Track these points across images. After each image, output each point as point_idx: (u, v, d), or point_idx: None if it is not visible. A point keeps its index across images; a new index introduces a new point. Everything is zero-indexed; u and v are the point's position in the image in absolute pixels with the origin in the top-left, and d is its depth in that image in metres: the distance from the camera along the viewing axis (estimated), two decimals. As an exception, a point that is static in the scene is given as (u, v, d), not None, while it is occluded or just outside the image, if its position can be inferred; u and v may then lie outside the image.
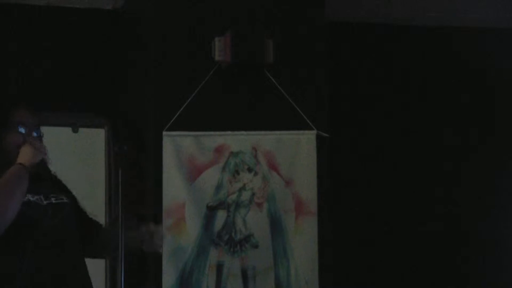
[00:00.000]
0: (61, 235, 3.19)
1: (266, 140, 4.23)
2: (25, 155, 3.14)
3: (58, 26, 4.93)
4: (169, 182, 4.15)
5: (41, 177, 3.27)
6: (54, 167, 4.35)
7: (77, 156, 4.49)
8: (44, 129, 4.38)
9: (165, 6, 4.31)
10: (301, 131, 4.26)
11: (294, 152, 4.26)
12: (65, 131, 4.44)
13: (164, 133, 4.16)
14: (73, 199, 3.42)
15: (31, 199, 3.16)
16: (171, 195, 4.15)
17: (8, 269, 3.03)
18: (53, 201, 3.25)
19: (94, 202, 4.44)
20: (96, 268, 4.30)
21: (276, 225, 4.20)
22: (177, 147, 4.17)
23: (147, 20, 4.48)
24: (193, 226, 4.14)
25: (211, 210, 4.16)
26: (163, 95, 4.25)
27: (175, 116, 4.16)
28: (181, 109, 4.16)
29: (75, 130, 4.43)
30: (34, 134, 3.30)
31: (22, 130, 3.25)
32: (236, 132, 4.21)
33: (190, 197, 4.16)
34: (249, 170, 4.20)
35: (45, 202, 3.21)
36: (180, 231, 4.13)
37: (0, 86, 4.74)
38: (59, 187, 3.40)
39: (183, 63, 4.27)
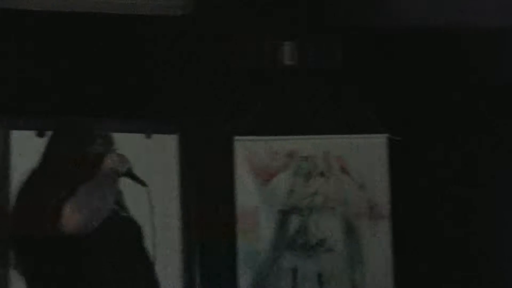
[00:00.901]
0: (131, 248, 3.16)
1: (338, 144, 4.29)
2: (114, 162, 3.20)
3: (129, 34, 5.03)
4: (242, 187, 4.25)
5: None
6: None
7: (150, 162, 4.58)
8: (118, 136, 4.54)
9: (234, 12, 4.38)
10: (373, 135, 4.31)
11: (366, 156, 4.30)
12: (139, 138, 4.57)
13: (236, 138, 4.24)
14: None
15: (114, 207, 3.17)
16: (243, 200, 4.24)
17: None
18: (124, 215, 3.25)
19: (167, 208, 4.54)
20: (172, 272, 4.43)
21: (349, 229, 4.26)
22: (248, 152, 4.25)
23: (216, 26, 4.56)
24: (266, 230, 4.24)
25: (284, 215, 4.23)
26: (235, 101, 4.32)
27: (247, 122, 4.23)
28: (252, 114, 4.23)
29: (148, 136, 4.57)
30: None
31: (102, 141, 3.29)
32: (307, 137, 4.28)
33: (263, 202, 4.25)
34: (321, 174, 4.27)
35: (122, 214, 3.22)
36: (253, 235, 4.22)
37: (81, 95, 4.86)
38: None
39: (253, 69, 4.33)
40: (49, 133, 4.37)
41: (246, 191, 4.25)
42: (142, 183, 3.37)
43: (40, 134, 4.42)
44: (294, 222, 4.23)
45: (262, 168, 4.25)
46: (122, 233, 3.14)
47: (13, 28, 4.86)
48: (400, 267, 4.27)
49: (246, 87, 4.35)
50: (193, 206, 4.46)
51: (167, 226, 4.52)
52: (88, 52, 4.95)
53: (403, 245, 4.31)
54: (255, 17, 4.40)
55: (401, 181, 4.37)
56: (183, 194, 4.53)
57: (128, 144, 4.48)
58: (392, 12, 4.48)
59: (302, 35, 4.26)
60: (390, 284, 4.21)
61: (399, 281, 4.24)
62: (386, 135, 4.31)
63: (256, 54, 4.37)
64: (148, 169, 4.54)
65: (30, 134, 4.44)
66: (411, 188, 4.74)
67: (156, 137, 4.62)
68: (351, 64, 4.32)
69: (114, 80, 4.92)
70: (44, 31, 4.90)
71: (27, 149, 4.40)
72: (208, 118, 4.67)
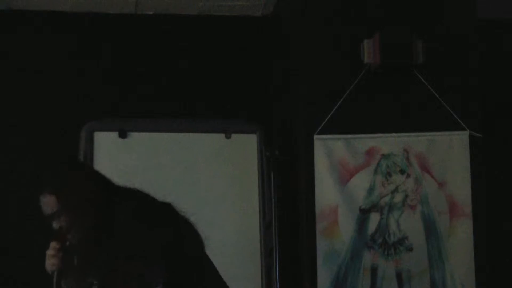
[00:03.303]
0: None
1: (418, 141, 4.32)
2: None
3: (209, 34, 5.15)
4: (321, 185, 4.32)
5: None
6: (207, 172, 4.63)
7: (230, 162, 4.70)
8: (198, 136, 4.67)
9: (313, 11, 4.47)
10: (453, 132, 4.32)
11: (447, 153, 4.32)
12: (218, 137, 4.68)
13: (316, 136, 4.32)
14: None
15: None
16: (323, 198, 4.30)
17: None
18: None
19: (247, 207, 4.63)
20: (253, 271, 4.52)
21: (430, 227, 4.28)
22: (328, 151, 4.32)
23: (296, 25, 4.65)
24: (346, 229, 4.29)
25: (364, 213, 4.29)
26: (314, 99, 4.40)
27: (326, 120, 4.30)
28: (332, 112, 4.30)
29: (228, 136, 4.68)
30: None
31: None
32: (387, 134, 4.32)
33: (343, 200, 4.30)
34: (401, 172, 4.30)
35: None
36: (333, 234, 4.28)
37: (161, 96, 4.98)
38: None
39: (332, 67, 4.42)
40: (131, 134, 4.59)
41: (326, 190, 4.31)
42: None
43: (122, 135, 4.60)
44: (374, 220, 4.28)
45: (341, 166, 4.31)
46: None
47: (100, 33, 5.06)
48: (481, 266, 4.25)
49: (325, 85, 4.41)
50: (273, 205, 4.53)
51: (248, 225, 4.63)
52: (170, 54, 5.11)
53: (484, 244, 4.29)
54: (334, 16, 4.46)
55: (482, 178, 4.35)
56: (263, 193, 4.61)
57: (209, 144, 4.67)
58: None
59: (381, 32, 4.28)
60: (472, 283, 4.21)
61: (480, 280, 4.23)
62: (467, 132, 4.30)
63: (335, 52, 4.42)
64: (228, 169, 4.68)
65: (112, 135, 4.60)
66: (493, 185, 4.71)
67: (236, 136, 4.72)
68: (430, 59, 4.33)
69: (193, 80, 5.05)
70: (122, 34, 5.08)
71: (110, 149, 4.59)
72: (288, 116, 4.75)
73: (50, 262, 2.77)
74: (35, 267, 2.97)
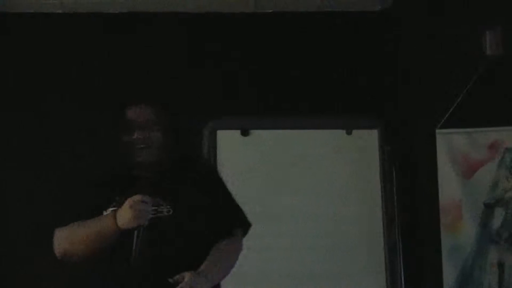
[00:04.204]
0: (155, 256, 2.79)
1: (543, 134, 4.23)
2: (124, 218, 2.72)
3: (328, 30, 5.18)
4: (444, 180, 4.29)
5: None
6: (328, 169, 4.67)
7: (351, 158, 4.73)
8: (319, 132, 4.72)
9: (431, 3, 4.43)
10: None
11: None
12: (339, 134, 4.72)
13: (438, 131, 4.30)
14: (183, 204, 2.90)
15: None
16: (447, 193, 4.28)
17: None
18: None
19: (369, 202, 4.66)
20: (376, 266, 4.54)
21: (557, 222, 4.18)
22: (450, 145, 4.30)
23: (414, 18, 4.62)
24: (470, 224, 4.25)
25: (489, 208, 4.23)
26: (435, 93, 4.37)
27: (448, 114, 4.26)
28: (454, 106, 4.26)
29: (348, 132, 4.72)
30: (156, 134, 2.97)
31: (136, 126, 2.94)
32: (510, 127, 4.23)
33: (466, 195, 4.27)
34: (526, 165, 4.22)
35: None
36: (457, 229, 4.26)
37: (280, 94, 5.03)
38: (162, 192, 2.88)
39: (452, 60, 4.37)
40: (252, 132, 4.68)
41: (449, 185, 4.29)
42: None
43: (244, 133, 4.70)
44: (499, 215, 4.22)
45: (464, 160, 4.28)
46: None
47: (216, 32, 5.16)
48: None
49: (446, 79, 4.37)
50: (395, 200, 4.54)
51: (371, 220, 4.65)
52: (289, 51, 5.17)
53: None
54: (454, 8, 4.42)
55: None
56: (385, 189, 4.63)
57: (330, 141, 4.71)
58: None
59: (504, 23, 4.21)
60: None
61: None
62: None
63: (455, 44, 4.37)
64: (350, 165, 4.72)
65: (234, 133, 4.71)
66: None
67: (356, 132, 4.75)
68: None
69: (313, 77, 5.09)
70: (242, 32, 5.17)
71: (232, 147, 4.70)
72: (408, 111, 4.73)
73: (138, 215, 2.73)
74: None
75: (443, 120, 4.29)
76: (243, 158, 4.71)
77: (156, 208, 2.80)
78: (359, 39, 5.15)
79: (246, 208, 4.53)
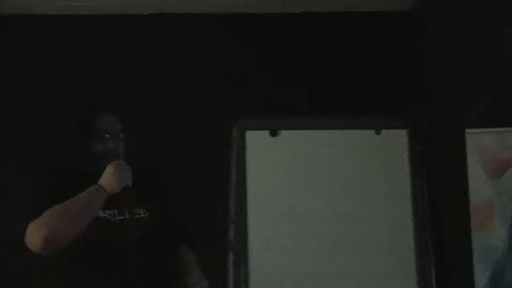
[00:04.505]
0: (135, 255, 2.99)
1: None
2: (109, 179, 2.93)
3: (356, 30, 5.17)
4: (474, 180, 4.29)
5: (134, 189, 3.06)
6: (357, 169, 4.67)
7: (380, 158, 4.72)
8: (347, 133, 4.72)
9: (461, 2, 4.41)
10: None
11: None
12: (368, 134, 4.72)
13: (467, 130, 4.28)
14: (156, 211, 3.15)
15: (101, 215, 2.97)
16: (477, 193, 4.27)
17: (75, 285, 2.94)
18: (126, 217, 3.04)
19: (399, 202, 4.65)
20: (407, 268, 4.54)
21: None
22: (480, 145, 4.28)
23: (443, 18, 4.61)
24: (501, 224, 4.25)
25: (520, 208, 4.22)
26: (464, 93, 4.35)
27: (477, 113, 4.25)
28: (483, 105, 4.24)
29: (377, 132, 4.71)
30: (119, 135, 3.14)
31: (107, 136, 3.09)
32: (541, 127, 4.23)
33: (497, 194, 4.26)
34: (560, 165, 4.20)
35: (117, 219, 3.02)
36: (488, 229, 4.25)
37: (309, 94, 5.03)
38: (142, 197, 3.12)
39: (482, 59, 4.35)
40: (281, 132, 4.69)
41: (479, 185, 4.27)
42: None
43: (273, 133, 4.71)
44: (532, 215, 4.21)
45: (494, 160, 4.27)
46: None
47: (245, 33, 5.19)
48: None
49: (475, 78, 4.35)
50: (425, 201, 4.52)
51: (400, 221, 4.65)
52: (318, 51, 5.17)
53: None
54: (482, 6, 4.40)
55: None
56: (414, 189, 4.61)
57: (358, 141, 4.71)
58: None
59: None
60: None
61: None
62: None
63: (485, 43, 4.35)
64: (379, 165, 4.71)
65: (263, 133, 4.73)
66: None
67: (385, 132, 4.74)
68: None
69: (342, 78, 5.09)
70: (269, 33, 5.18)
71: (261, 148, 4.71)
72: (437, 111, 4.71)
73: (123, 176, 2.94)
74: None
75: (472, 120, 4.27)
76: (272, 159, 4.72)
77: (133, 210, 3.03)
78: (388, 38, 5.14)
79: (275, 208, 4.59)
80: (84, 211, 2.85)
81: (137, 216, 3.05)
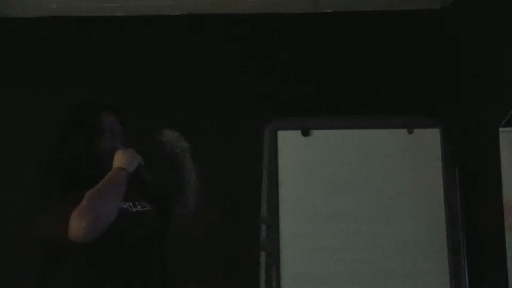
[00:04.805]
0: (144, 244, 3.11)
1: None
2: (123, 160, 3.05)
3: (388, 29, 5.16)
4: (508, 179, 4.24)
5: (135, 182, 3.13)
6: (390, 168, 4.66)
7: (412, 157, 4.71)
8: (380, 132, 4.71)
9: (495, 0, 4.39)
10: None
11: None
12: (400, 133, 4.71)
13: (501, 129, 4.24)
14: (158, 206, 3.26)
15: (123, 206, 3.06)
16: (510, 192, 4.22)
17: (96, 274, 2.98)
18: (139, 209, 3.15)
19: (431, 202, 4.64)
20: (440, 267, 4.52)
21: None
22: (513, 143, 4.24)
23: (476, 16, 4.59)
24: (535, 224, 4.19)
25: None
26: (497, 91, 4.33)
27: (510, 112, 4.22)
28: (516, 103, 4.22)
29: (410, 132, 4.70)
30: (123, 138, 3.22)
31: (110, 135, 3.16)
32: None
33: (531, 194, 4.21)
34: None
35: (134, 210, 3.12)
36: (522, 229, 4.20)
37: (341, 93, 5.03)
38: (146, 193, 3.25)
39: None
40: (313, 132, 4.69)
41: (513, 184, 4.24)
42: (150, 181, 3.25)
43: (305, 133, 4.72)
44: None
45: (528, 159, 4.23)
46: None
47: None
48: None
49: (509, 76, 4.32)
50: (458, 200, 4.51)
51: (433, 220, 4.63)
52: (346, 52, 5.18)
53: None
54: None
55: None
56: (447, 188, 4.60)
57: (391, 140, 4.71)
58: None
59: None
60: None
61: None
62: None
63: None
64: (411, 164, 4.70)
65: (295, 133, 4.74)
66: None
67: (418, 132, 4.73)
68: None
69: (374, 77, 5.09)
70: (301, 32, 5.19)
71: (293, 147, 4.73)
72: (470, 110, 4.69)
73: (133, 155, 3.07)
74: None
75: (506, 119, 4.25)
76: (304, 159, 4.73)
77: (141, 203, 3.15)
78: (421, 37, 5.13)
79: (307, 208, 4.60)
80: (116, 192, 2.95)
81: (145, 209, 3.16)
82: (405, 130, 4.76)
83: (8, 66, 5.20)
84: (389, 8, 5.18)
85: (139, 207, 3.13)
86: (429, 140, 4.72)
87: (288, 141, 4.75)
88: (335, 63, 5.15)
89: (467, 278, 4.50)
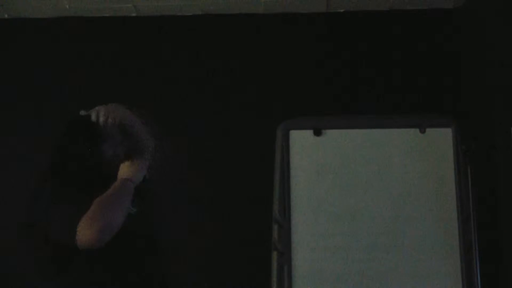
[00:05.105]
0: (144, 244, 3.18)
1: None
2: (130, 172, 3.09)
3: (401, 29, 5.17)
4: (520, 179, 4.24)
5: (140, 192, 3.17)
6: (402, 168, 4.66)
7: (424, 156, 4.70)
8: (392, 131, 4.71)
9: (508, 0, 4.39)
10: None
11: None
12: (413, 132, 4.70)
13: (513, 129, 4.25)
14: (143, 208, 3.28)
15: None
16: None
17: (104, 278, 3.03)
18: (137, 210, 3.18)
19: (444, 201, 4.62)
20: (452, 267, 4.51)
21: None
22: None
23: (490, 15, 4.58)
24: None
25: None
26: (510, 90, 4.32)
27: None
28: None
29: (422, 131, 4.69)
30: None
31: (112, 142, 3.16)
32: None
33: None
34: None
35: (133, 211, 3.14)
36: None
37: (351, 94, 5.04)
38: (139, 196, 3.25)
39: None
40: (325, 131, 4.69)
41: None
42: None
43: (317, 133, 4.72)
44: None
45: (541, 158, 4.23)
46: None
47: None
48: None
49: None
50: (471, 199, 4.49)
51: (445, 220, 4.62)
52: (358, 51, 5.19)
53: None
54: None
55: None
56: (460, 187, 4.58)
57: (403, 139, 4.70)
58: None
59: None
60: None
61: None
62: None
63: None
64: (424, 164, 4.69)
65: (307, 133, 4.74)
66: None
67: (430, 131, 4.72)
68: None
69: (387, 76, 5.09)
70: (314, 32, 5.19)
71: (305, 147, 4.73)
72: (483, 109, 4.69)
73: (139, 167, 3.09)
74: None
75: (518, 118, 4.26)
76: (316, 158, 4.73)
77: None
78: (434, 37, 5.13)
79: (319, 208, 4.60)
80: (123, 202, 2.99)
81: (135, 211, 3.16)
82: (417, 130, 4.74)
83: (22, 66, 5.25)
84: (401, 7, 5.18)
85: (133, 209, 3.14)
86: (441, 139, 4.71)
87: (300, 140, 4.75)
88: (347, 62, 5.16)
89: (479, 277, 4.48)
